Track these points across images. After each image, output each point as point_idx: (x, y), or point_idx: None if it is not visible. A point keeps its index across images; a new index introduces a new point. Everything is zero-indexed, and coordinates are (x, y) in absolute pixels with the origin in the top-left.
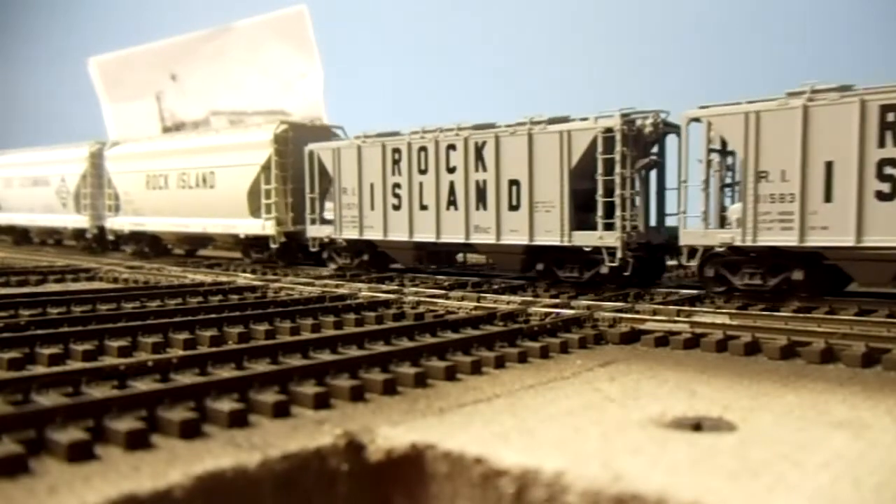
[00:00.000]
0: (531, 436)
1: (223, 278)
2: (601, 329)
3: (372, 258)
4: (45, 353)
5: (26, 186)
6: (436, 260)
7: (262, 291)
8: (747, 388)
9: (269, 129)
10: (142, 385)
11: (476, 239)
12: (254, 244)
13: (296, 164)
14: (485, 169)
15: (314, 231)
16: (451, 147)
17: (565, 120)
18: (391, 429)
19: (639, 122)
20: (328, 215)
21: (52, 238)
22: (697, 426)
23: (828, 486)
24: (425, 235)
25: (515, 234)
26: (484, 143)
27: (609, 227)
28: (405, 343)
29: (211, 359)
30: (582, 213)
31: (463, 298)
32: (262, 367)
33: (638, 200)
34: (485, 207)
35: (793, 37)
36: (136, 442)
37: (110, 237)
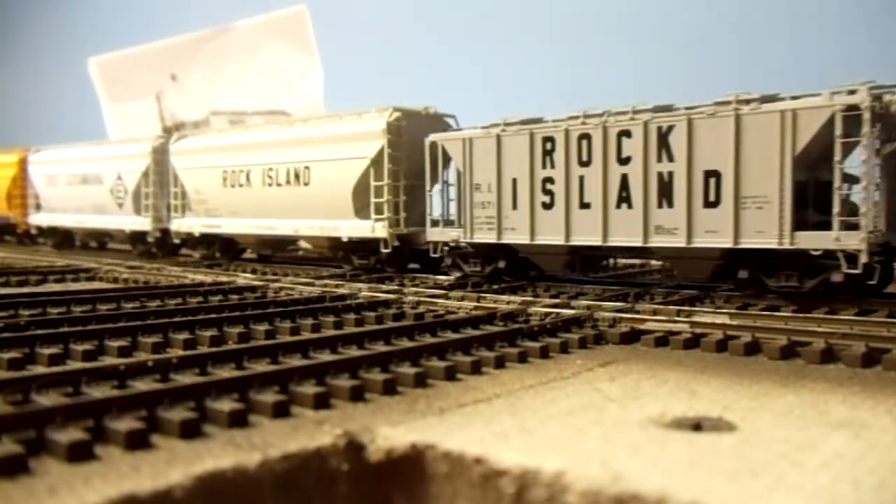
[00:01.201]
0: (531, 436)
1: (223, 278)
2: (601, 329)
3: (509, 265)
4: (45, 353)
5: (74, 185)
6: (590, 266)
7: (262, 291)
8: (747, 387)
9: (379, 117)
10: (142, 385)
11: (657, 242)
12: (358, 248)
13: (410, 157)
14: (671, 159)
15: (436, 234)
16: (625, 134)
17: (774, 98)
18: (391, 429)
19: (886, 98)
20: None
21: (100, 241)
22: (697, 426)
23: (828, 486)
24: (586, 238)
25: (712, 236)
26: (670, 127)
27: (849, 226)
28: (405, 343)
29: (211, 359)
30: (799, 209)
31: (463, 298)
32: (262, 367)
33: (878, 194)
34: (670, 205)
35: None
36: (136, 442)
37: (175, 240)
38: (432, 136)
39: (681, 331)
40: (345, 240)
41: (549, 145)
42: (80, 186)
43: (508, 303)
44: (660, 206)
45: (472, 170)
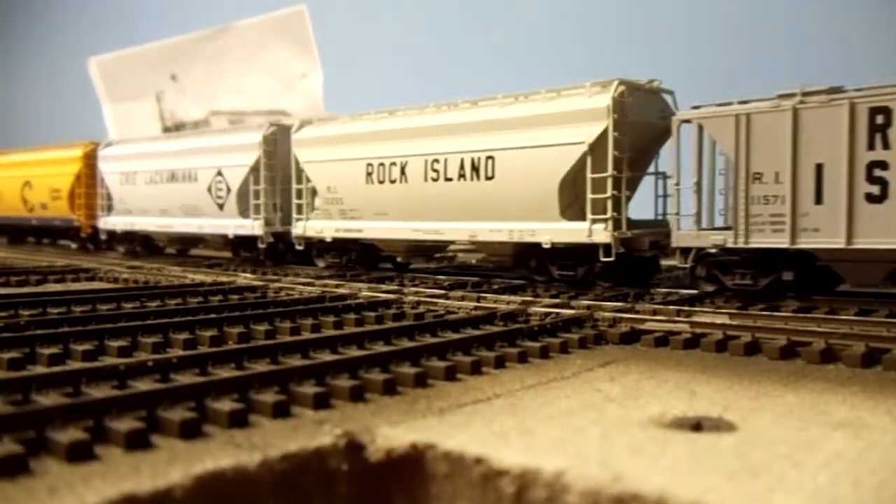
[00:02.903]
0: (531, 436)
1: (223, 278)
2: (601, 329)
3: (799, 275)
4: (44, 353)
5: (159, 183)
6: None
7: (262, 291)
8: (747, 388)
9: (600, 91)
10: (142, 385)
11: None
12: (559, 256)
13: (633, 141)
14: None
15: (689, 239)
16: None
17: None
18: (391, 429)
19: None
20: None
21: (188, 246)
22: (697, 426)
23: (828, 486)
24: None
25: None
26: None
27: None
28: (405, 343)
29: (211, 359)
30: None
31: (463, 298)
32: (262, 367)
33: None
34: None
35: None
36: (136, 442)
37: (298, 245)
38: (682, 114)
39: (681, 331)
40: (546, 246)
41: (880, 118)
42: (167, 185)
43: (508, 303)
44: None
45: (750, 155)
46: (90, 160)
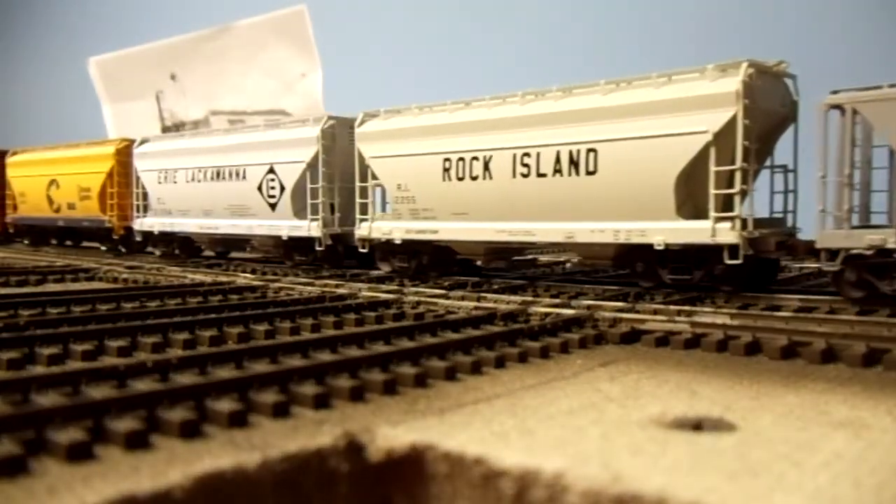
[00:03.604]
0: (531, 436)
1: (223, 278)
2: (601, 329)
3: None
4: (44, 354)
5: (201, 181)
6: None
7: (261, 291)
8: (748, 388)
9: (727, 75)
10: (141, 385)
11: None
12: (675, 257)
13: (758, 130)
14: None
15: (838, 239)
16: None
17: None
18: (391, 429)
19: None
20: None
21: (231, 249)
22: (698, 426)
23: (828, 487)
24: None
25: None
26: None
27: None
28: (405, 343)
29: (211, 359)
30: None
31: (463, 298)
32: (261, 367)
33: None
34: None
35: None
36: (136, 442)
37: (361, 248)
38: (834, 98)
39: (681, 331)
40: (658, 247)
41: None
42: (211, 183)
43: (508, 303)
44: None
45: None
46: (123, 158)
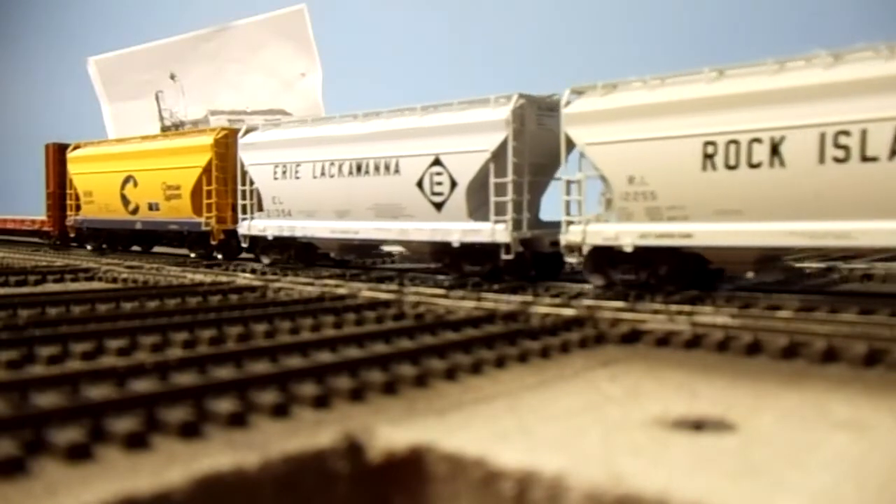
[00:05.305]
0: (531, 436)
1: (222, 278)
2: (602, 329)
3: None
4: (43, 354)
5: (337, 176)
6: None
7: (261, 291)
8: (749, 388)
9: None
10: (141, 385)
11: None
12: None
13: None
14: None
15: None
16: None
17: None
18: (391, 429)
19: None
20: None
21: (366, 257)
22: (699, 426)
23: (829, 487)
24: None
25: None
26: None
27: None
28: (405, 343)
29: (210, 359)
30: None
31: (463, 298)
32: (261, 367)
33: None
34: None
35: None
36: (135, 443)
37: (570, 257)
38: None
39: (682, 331)
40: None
41: None
42: (350, 179)
43: (508, 303)
44: None
45: None
46: (224, 150)
